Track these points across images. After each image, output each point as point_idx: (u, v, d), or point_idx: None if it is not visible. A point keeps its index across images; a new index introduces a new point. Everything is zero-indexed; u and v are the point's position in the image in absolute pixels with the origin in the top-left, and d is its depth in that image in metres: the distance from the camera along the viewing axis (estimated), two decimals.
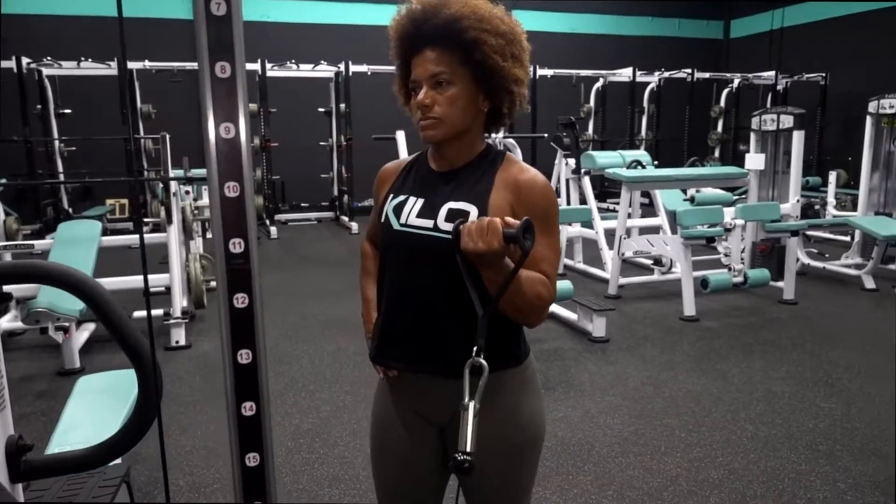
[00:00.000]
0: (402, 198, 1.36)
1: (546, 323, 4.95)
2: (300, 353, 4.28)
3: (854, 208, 8.42)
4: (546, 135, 7.08)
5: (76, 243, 4.49)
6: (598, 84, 11.45)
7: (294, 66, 9.24)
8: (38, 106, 8.96)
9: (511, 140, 5.71)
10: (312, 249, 8.21)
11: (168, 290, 4.91)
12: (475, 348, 1.19)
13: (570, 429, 3.16)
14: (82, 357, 4.09)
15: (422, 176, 1.38)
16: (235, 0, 0.90)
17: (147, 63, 8.99)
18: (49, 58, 8.85)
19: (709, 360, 4.10)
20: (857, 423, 3.19)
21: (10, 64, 8.52)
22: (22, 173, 8.59)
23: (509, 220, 1.10)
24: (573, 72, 11.10)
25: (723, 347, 4.34)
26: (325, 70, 9.72)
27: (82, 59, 8.87)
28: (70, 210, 9.42)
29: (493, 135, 1.40)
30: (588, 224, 6.31)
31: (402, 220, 1.33)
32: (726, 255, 5.71)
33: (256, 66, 9.07)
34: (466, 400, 1.13)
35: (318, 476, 2.77)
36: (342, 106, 9.84)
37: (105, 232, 8.67)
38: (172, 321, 4.41)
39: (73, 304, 3.92)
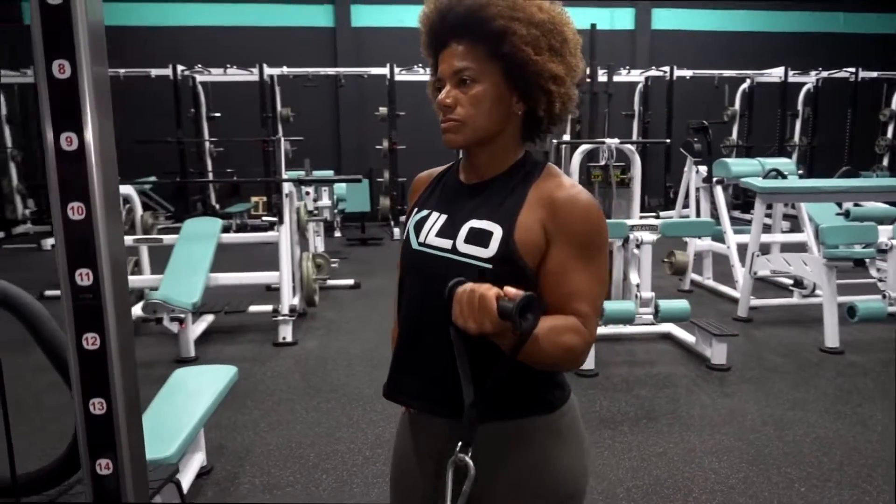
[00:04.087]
0: (425, 212, 1.21)
1: (661, 344, 4.57)
2: None
3: None
4: (668, 140, 6.58)
5: (197, 239, 4.76)
6: (745, 85, 10.63)
7: (421, 72, 9.35)
8: (192, 110, 9.76)
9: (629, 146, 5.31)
10: None
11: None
12: (460, 444, 1.06)
13: (667, 467, 2.84)
14: (197, 347, 4.32)
15: (449, 189, 1.22)
16: None
17: (285, 69, 9.48)
18: (200, 65, 9.60)
19: (849, 402, 3.56)
20: None
21: (167, 72, 9.33)
22: (175, 171, 9.37)
23: (510, 290, 0.94)
24: (715, 72, 10.37)
25: (868, 388, 3.76)
26: None
27: (228, 66, 9.53)
28: (217, 206, 10.15)
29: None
30: (720, 237, 5.78)
31: (421, 239, 1.18)
32: (881, 279, 4.97)
33: (385, 71, 9.27)
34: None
35: None
36: None
37: (246, 228, 9.31)
38: (280, 318, 4.55)
39: (187, 298, 4.14)
